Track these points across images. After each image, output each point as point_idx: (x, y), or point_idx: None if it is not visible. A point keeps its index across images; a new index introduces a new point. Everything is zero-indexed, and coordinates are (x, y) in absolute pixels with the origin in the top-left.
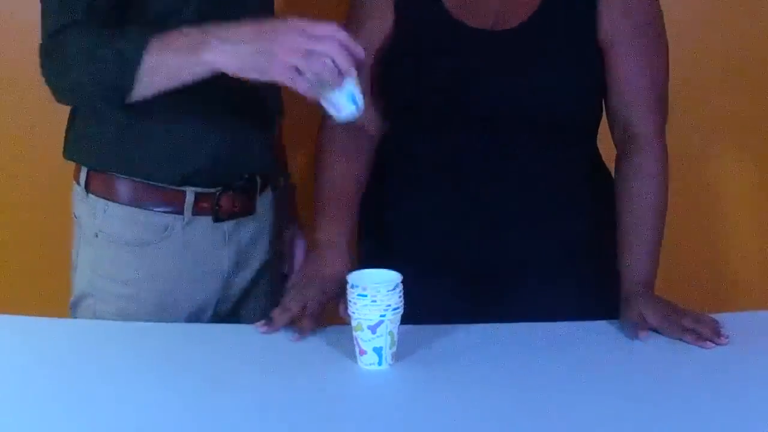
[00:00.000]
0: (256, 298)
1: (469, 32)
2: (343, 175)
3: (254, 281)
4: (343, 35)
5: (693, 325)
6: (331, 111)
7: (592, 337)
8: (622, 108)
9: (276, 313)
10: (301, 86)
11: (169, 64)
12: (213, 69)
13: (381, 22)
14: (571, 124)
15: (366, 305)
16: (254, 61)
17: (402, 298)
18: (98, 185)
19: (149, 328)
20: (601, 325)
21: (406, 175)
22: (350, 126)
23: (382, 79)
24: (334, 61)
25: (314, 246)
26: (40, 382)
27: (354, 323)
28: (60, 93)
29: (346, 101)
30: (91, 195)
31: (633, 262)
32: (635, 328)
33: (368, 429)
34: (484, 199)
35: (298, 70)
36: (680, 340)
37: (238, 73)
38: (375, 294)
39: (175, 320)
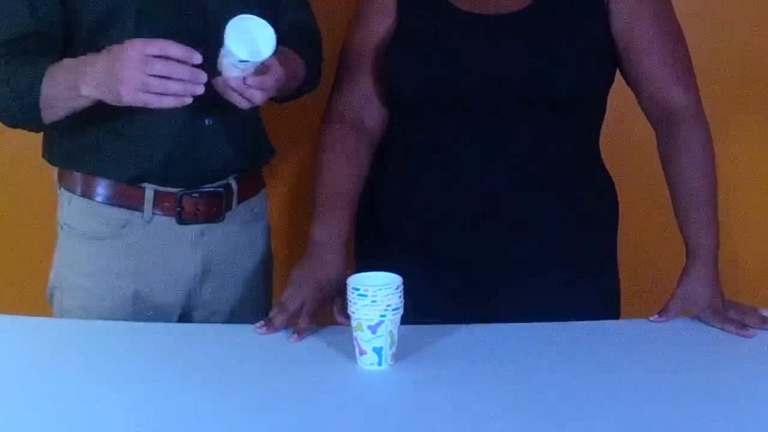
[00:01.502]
0: (240, 320)
1: (472, 18)
2: (342, 176)
3: (236, 305)
4: (173, 49)
5: (739, 317)
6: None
7: (592, 337)
8: (659, 87)
9: (273, 313)
10: (154, 104)
11: (57, 98)
12: (91, 101)
13: (384, 17)
14: (576, 108)
15: (366, 305)
16: (109, 91)
17: (402, 299)
18: (65, 179)
19: (148, 327)
20: (602, 325)
21: (408, 171)
22: (352, 125)
23: (387, 74)
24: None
25: (310, 246)
26: (35, 383)
27: (354, 323)
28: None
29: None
30: (61, 188)
31: (693, 232)
32: (668, 305)
33: (368, 429)
34: (487, 195)
35: (146, 90)
36: (721, 329)
37: (106, 101)
38: (375, 294)
39: (136, 320)
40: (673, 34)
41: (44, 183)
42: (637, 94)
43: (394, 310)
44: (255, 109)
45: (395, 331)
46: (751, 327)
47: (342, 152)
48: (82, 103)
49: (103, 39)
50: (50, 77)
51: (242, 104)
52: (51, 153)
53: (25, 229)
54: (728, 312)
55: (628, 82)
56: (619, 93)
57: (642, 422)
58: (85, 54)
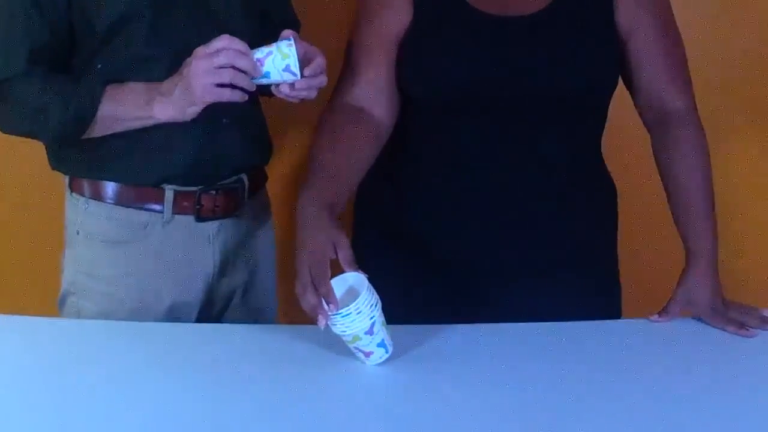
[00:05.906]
0: (246, 304)
1: (490, 20)
2: (337, 156)
3: (245, 288)
4: (234, 43)
5: (739, 317)
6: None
7: (592, 337)
8: (654, 88)
9: (306, 304)
10: (226, 96)
11: (120, 119)
12: (158, 121)
13: (398, 13)
14: (590, 109)
15: (354, 320)
16: (182, 102)
17: (374, 292)
18: (79, 186)
19: (148, 327)
20: (602, 325)
21: (415, 170)
22: (355, 115)
23: (401, 72)
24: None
25: (296, 218)
26: (38, 382)
27: (349, 338)
28: (11, 134)
29: (283, 74)
30: (74, 193)
31: (692, 233)
32: (668, 306)
33: (368, 429)
34: (494, 195)
35: (218, 85)
36: (722, 329)
37: (180, 119)
38: (357, 307)
39: (158, 321)
40: (672, 36)
41: (49, 181)
42: (633, 94)
43: (376, 305)
44: (260, 107)
45: (383, 319)
46: (752, 327)
47: (340, 138)
48: (147, 123)
49: (114, 46)
50: (112, 98)
51: (295, 100)
52: (63, 162)
53: (27, 232)
54: (728, 312)
55: (625, 83)
56: (620, 95)
57: (642, 422)
58: (94, 62)
